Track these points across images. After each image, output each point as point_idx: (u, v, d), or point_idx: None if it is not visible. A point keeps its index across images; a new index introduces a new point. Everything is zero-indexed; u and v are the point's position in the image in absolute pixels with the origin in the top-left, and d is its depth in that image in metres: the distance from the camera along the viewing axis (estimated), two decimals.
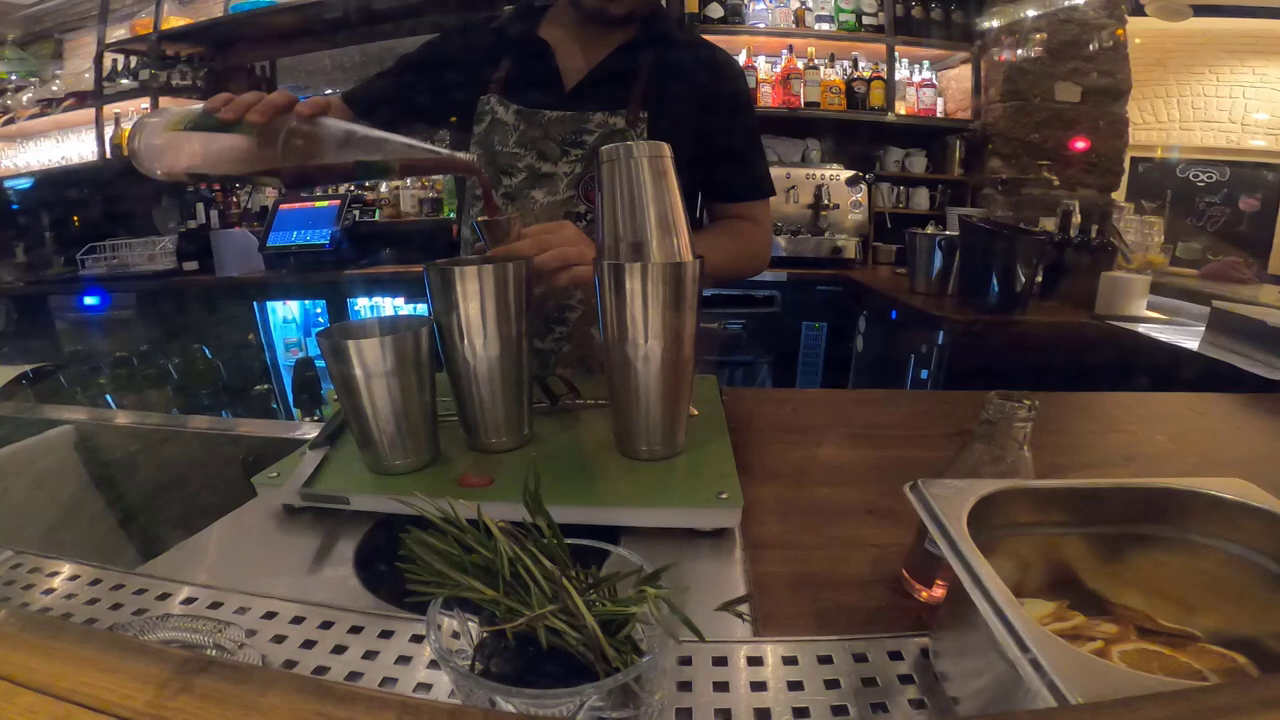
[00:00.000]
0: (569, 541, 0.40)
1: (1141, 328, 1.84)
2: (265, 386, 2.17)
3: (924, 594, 0.55)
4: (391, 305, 3.00)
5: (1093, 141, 3.18)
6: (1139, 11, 3.16)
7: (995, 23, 3.20)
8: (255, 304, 3.18)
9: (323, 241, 3.11)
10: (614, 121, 1.00)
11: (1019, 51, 3.15)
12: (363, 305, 3.27)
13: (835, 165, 3.37)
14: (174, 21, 3.63)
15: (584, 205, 1.01)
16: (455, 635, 0.39)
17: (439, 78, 1.10)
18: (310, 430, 0.95)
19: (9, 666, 0.26)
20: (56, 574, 0.59)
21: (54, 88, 4.01)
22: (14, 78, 4.06)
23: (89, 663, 0.27)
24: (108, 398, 1.43)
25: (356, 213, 3.38)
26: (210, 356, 1.74)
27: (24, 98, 4.03)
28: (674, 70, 1.04)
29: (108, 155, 3.72)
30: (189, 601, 0.55)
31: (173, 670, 0.26)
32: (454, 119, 1.10)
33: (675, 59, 1.05)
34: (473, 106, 1.06)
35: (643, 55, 1.03)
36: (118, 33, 3.74)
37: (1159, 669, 0.40)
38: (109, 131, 3.70)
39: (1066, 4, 3.07)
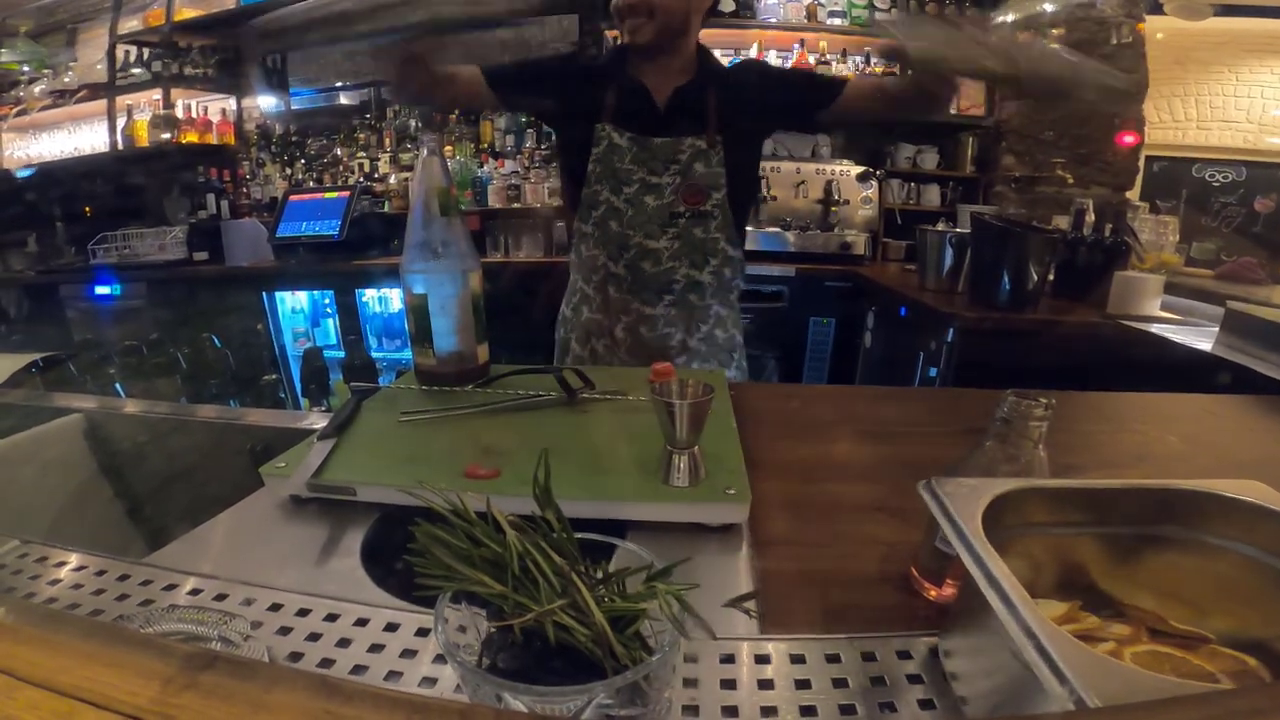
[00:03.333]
0: (577, 536, 0.40)
1: (1155, 328, 1.82)
2: (273, 376, 2.18)
3: (933, 593, 0.55)
4: (399, 298, 3.00)
5: (1109, 140, 3.14)
6: (1158, 10, 3.11)
7: (1010, 17, 3.16)
8: (264, 294, 3.19)
9: (331, 232, 3.12)
10: (699, 144, 1.26)
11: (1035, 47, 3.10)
12: (370, 296, 3.27)
13: (846, 161, 3.35)
14: (186, 13, 3.64)
15: (683, 205, 1.29)
16: (462, 629, 0.39)
17: (560, 90, 1.36)
18: (318, 420, 0.95)
19: (11, 661, 0.26)
20: (63, 564, 0.60)
21: (66, 79, 4.02)
22: (27, 69, 4.07)
23: (93, 657, 0.26)
24: (117, 386, 1.43)
25: (366, 203, 3.38)
26: (219, 346, 1.75)
27: (37, 89, 4.04)
28: (727, 96, 1.29)
29: (119, 146, 3.74)
30: (195, 593, 0.55)
31: (178, 666, 0.26)
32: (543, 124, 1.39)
33: (724, 86, 1.30)
34: (575, 121, 1.33)
35: (705, 89, 1.28)
36: (130, 24, 3.76)
37: (1171, 671, 0.40)
38: (121, 123, 3.72)
39: None
